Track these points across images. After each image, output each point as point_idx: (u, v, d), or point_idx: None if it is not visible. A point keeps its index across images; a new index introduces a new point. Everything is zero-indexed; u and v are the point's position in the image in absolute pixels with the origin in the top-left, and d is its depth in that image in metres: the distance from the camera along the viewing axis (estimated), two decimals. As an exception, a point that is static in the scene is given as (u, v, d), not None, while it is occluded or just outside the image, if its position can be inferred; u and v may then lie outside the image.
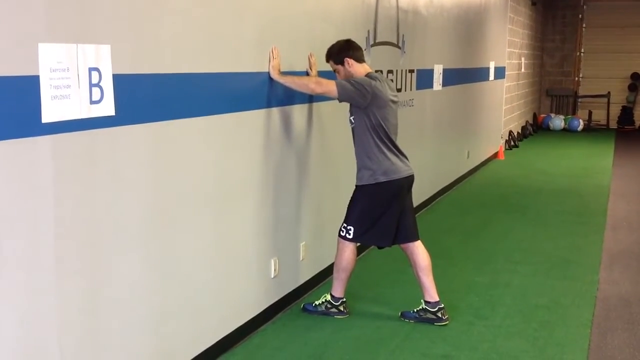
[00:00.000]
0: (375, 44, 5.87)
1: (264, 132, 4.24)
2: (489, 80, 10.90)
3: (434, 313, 4.49)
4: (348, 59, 4.39)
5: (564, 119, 16.36)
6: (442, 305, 4.51)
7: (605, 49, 16.95)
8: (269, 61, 4.20)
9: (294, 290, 4.79)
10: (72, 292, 2.87)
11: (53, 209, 2.73)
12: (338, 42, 4.49)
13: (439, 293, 4.55)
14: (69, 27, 2.74)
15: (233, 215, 4.01)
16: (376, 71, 4.52)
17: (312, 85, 4.29)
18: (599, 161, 11.74)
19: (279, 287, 4.58)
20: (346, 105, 4.42)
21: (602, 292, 5.19)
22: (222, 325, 4.00)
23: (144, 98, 3.19)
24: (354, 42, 4.50)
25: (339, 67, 4.44)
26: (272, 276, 4.48)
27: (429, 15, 7.47)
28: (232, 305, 4.08)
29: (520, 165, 11.29)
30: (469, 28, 9.34)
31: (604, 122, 16.95)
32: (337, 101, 4.35)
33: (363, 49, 4.57)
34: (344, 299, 4.61)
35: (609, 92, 16.76)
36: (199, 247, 3.71)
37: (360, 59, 4.45)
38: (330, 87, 4.25)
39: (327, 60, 4.51)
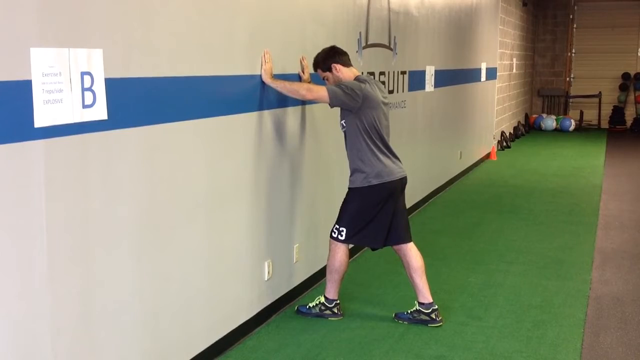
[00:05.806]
0: (367, 46, 5.88)
1: (256, 134, 4.25)
2: (480, 81, 10.93)
3: (428, 314, 4.50)
4: (335, 65, 4.41)
5: (556, 119, 16.41)
6: (436, 307, 4.52)
7: (596, 49, 17.01)
8: (261, 65, 4.20)
9: (287, 293, 4.79)
10: (65, 296, 2.87)
11: (45, 213, 2.73)
12: (323, 50, 4.51)
13: (432, 294, 4.56)
14: (60, 32, 2.74)
15: (226, 218, 4.01)
16: (369, 73, 4.53)
17: (303, 91, 4.30)
18: (590, 161, 11.79)
19: (272, 289, 4.59)
20: (338, 108, 4.43)
21: (595, 291, 5.21)
22: (215, 328, 4.00)
23: (136, 102, 3.19)
24: (338, 47, 4.52)
25: (327, 74, 4.45)
26: (266, 278, 4.48)
27: (420, 17, 7.48)
28: (225, 308, 4.08)
29: (513, 165, 11.32)
30: (460, 29, 9.37)
31: (595, 122, 17.01)
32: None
33: (355, 51, 4.58)
34: (338, 301, 4.61)
35: (600, 92, 16.82)
36: (192, 250, 3.71)
37: (347, 63, 4.47)
38: (321, 93, 4.27)
39: (315, 70, 4.53)
